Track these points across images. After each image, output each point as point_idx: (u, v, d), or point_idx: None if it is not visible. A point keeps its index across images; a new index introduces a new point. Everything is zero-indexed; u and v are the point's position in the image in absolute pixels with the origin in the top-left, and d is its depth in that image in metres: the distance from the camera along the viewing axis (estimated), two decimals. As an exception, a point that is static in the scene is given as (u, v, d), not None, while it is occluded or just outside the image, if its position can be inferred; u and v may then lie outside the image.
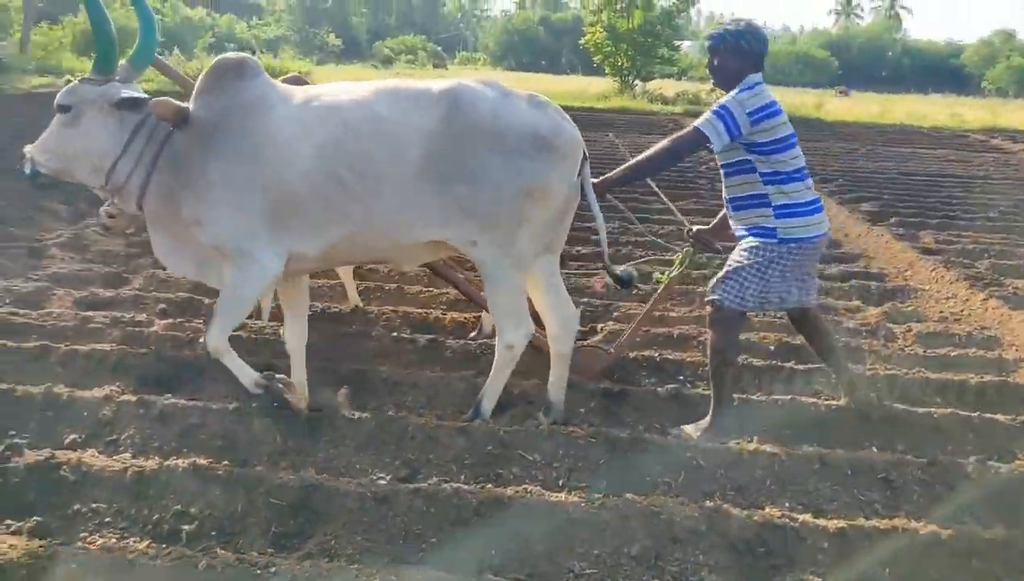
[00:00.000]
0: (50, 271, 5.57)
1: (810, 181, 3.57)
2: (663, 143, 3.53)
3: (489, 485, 3.10)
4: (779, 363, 4.42)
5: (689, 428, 3.69)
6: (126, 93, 3.29)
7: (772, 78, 42.38)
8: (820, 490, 3.25)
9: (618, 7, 26.30)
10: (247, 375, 3.46)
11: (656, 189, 4.47)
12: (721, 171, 3.63)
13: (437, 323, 4.89)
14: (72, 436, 3.33)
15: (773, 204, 3.46)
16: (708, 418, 3.70)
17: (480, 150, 3.20)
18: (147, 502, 2.89)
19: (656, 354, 4.52)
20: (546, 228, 3.41)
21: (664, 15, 26.81)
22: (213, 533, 2.80)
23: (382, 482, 3.04)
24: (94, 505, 2.85)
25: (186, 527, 2.80)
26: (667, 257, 4.37)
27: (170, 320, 4.71)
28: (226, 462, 3.10)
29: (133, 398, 3.57)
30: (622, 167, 3.62)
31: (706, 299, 3.66)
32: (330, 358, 4.19)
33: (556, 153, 3.29)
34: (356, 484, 2.97)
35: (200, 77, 3.37)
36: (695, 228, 4.06)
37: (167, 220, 3.39)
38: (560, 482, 3.24)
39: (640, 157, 3.57)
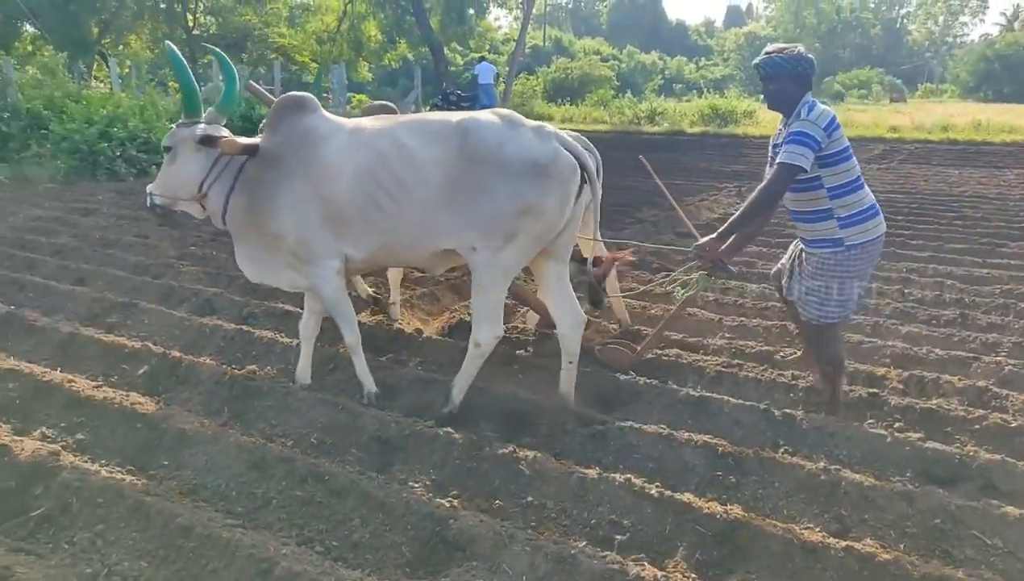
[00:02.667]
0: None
1: (867, 188, 3.88)
2: (759, 191, 3.77)
3: (935, 561, 2.83)
4: None
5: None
6: (204, 132, 3.98)
7: None
8: None
9: None
10: (368, 380, 4.21)
11: (682, 214, 4.84)
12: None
13: (879, 377, 4.57)
14: (527, 438, 3.78)
15: (837, 217, 3.79)
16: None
17: (486, 175, 3.63)
18: (586, 506, 3.18)
19: None
20: (536, 241, 3.79)
21: None
22: (641, 547, 2.97)
23: (811, 533, 2.95)
24: (544, 500, 3.22)
25: (618, 536, 3.02)
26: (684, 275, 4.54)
27: (611, 344, 5.08)
28: (657, 483, 3.27)
29: (579, 412, 3.97)
30: (727, 222, 3.94)
31: (802, 319, 4.03)
32: (761, 401, 4.18)
33: (551, 178, 3.67)
34: (783, 529, 2.93)
35: (268, 113, 4.08)
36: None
37: (245, 233, 4.08)
38: (1027, 578, 2.83)
39: (743, 209, 3.84)
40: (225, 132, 4.11)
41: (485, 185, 3.64)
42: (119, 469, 3.41)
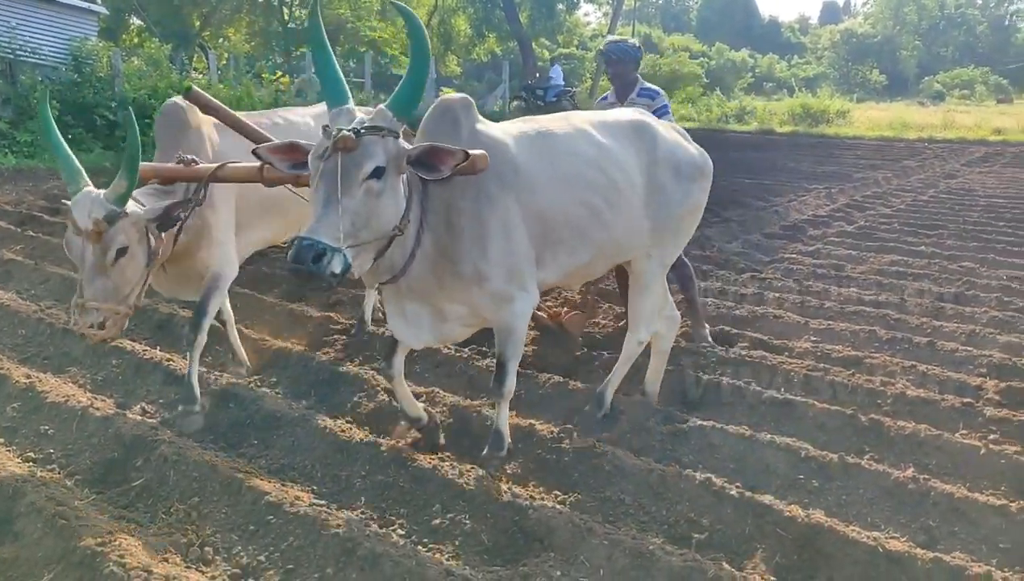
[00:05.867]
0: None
1: None
2: None
3: (1030, 578, 2.72)
4: None
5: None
6: (427, 146, 2.77)
7: None
8: None
9: None
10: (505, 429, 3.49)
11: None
12: None
13: (974, 387, 4.39)
14: (607, 433, 3.77)
15: None
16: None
17: (668, 177, 3.61)
18: (665, 504, 3.17)
19: None
20: (687, 239, 3.92)
21: None
22: (720, 546, 2.95)
23: (897, 542, 2.87)
24: (622, 495, 3.22)
25: (696, 535, 3.00)
26: None
27: (695, 343, 5.03)
28: (738, 484, 3.24)
29: (659, 407, 3.96)
30: None
31: None
32: (847, 406, 4.08)
33: (706, 178, 3.81)
34: (868, 537, 2.85)
35: (428, 120, 3.10)
36: None
37: (425, 282, 3.08)
38: None
39: None
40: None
41: (666, 187, 3.60)
42: (212, 446, 3.56)
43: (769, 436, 3.63)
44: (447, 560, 2.76)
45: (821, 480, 3.38)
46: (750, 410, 4.06)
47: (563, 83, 23.98)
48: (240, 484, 3.09)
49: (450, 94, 3.30)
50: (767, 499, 3.12)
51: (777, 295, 6.14)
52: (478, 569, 2.74)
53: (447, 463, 3.33)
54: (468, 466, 3.36)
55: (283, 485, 3.21)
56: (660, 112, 4.71)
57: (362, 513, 3.10)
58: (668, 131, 3.77)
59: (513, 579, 2.68)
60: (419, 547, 2.83)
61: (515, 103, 24.16)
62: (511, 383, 3.33)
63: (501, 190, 3.08)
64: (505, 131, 3.27)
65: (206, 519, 2.99)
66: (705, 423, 3.77)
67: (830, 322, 5.49)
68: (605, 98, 5.24)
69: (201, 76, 21.59)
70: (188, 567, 2.69)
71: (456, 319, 3.24)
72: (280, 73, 27.55)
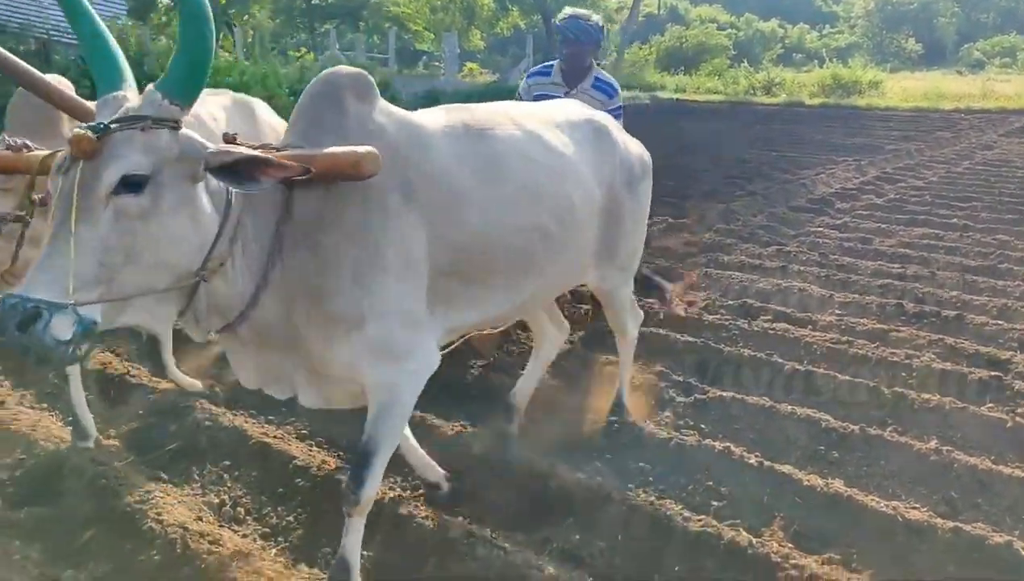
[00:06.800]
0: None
1: None
2: None
3: (1053, 547, 2.73)
4: None
5: None
6: (227, 154, 1.84)
7: None
8: None
9: None
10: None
11: None
12: None
13: (1003, 361, 4.36)
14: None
15: None
16: None
17: (624, 189, 3.00)
18: (683, 473, 3.22)
19: None
20: (643, 238, 3.35)
21: None
22: (738, 514, 2.97)
23: (917, 512, 2.88)
24: (641, 464, 3.26)
25: (715, 503, 3.04)
26: None
27: (718, 316, 5.04)
28: (757, 453, 3.27)
29: (680, 379, 3.99)
30: None
31: None
32: (870, 378, 4.08)
33: (649, 173, 3.23)
34: (887, 507, 2.88)
35: (306, 97, 2.24)
36: None
37: (281, 332, 2.17)
38: None
39: None
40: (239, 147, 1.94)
41: (623, 200, 2.99)
42: (242, 412, 3.66)
43: (790, 407, 3.65)
44: (468, 524, 2.82)
45: (841, 451, 3.40)
46: (772, 382, 4.08)
47: None
48: (269, 448, 3.19)
49: (340, 68, 2.33)
50: (786, 468, 3.15)
51: (801, 268, 6.12)
52: (499, 532, 2.80)
53: (468, 430, 3.39)
54: (489, 433, 3.43)
55: (310, 450, 3.30)
56: (614, 114, 4.02)
57: (387, 478, 3.16)
58: (619, 131, 3.15)
59: (533, 542, 2.75)
60: (441, 511, 2.90)
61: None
62: (372, 487, 2.32)
63: (405, 204, 2.21)
64: (424, 124, 2.38)
65: (237, 481, 3.09)
66: (725, 394, 3.80)
67: (855, 295, 5.46)
68: (547, 73, 4.50)
69: (228, 54, 21.71)
70: (221, 525, 2.79)
71: (338, 379, 2.33)
72: (305, 49, 27.62)
